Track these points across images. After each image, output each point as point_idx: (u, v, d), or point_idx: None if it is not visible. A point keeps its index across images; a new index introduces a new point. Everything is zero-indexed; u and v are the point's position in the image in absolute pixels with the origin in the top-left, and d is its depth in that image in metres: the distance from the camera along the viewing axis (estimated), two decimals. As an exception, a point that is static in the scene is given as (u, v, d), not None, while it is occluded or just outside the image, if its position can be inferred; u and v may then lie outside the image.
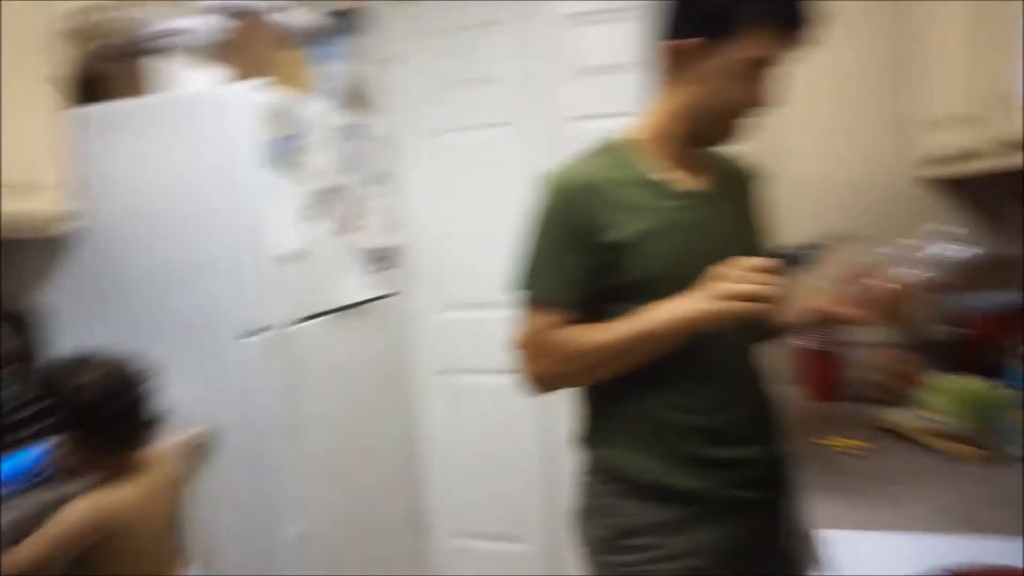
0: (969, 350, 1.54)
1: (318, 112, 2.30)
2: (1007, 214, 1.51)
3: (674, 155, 1.21)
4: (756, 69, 1.10)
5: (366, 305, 2.55)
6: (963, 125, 1.41)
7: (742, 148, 2.41)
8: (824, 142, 1.81)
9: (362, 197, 2.51)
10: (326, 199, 2.31)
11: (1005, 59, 1.19)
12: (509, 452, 2.83)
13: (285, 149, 2.10)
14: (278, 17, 2.27)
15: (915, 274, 1.10)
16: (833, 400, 1.66)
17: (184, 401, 1.77)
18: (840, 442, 1.34)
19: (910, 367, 1.59)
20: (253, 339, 1.98)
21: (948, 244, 1.13)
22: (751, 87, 1.11)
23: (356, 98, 2.68)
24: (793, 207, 1.83)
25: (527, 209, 1.22)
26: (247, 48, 2.17)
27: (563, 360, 1.17)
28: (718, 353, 1.19)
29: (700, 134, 1.18)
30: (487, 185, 2.75)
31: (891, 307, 1.11)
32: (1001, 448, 1.15)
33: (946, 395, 1.40)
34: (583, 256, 1.15)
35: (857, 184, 1.80)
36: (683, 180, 1.21)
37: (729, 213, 1.25)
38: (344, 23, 2.72)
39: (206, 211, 1.97)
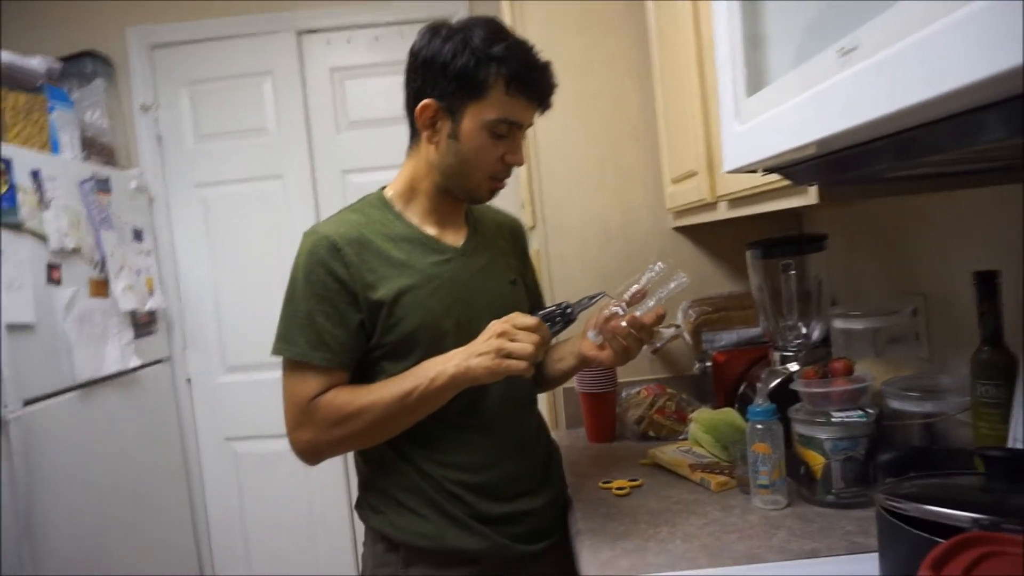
0: (721, 382, 1.68)
1: (55, 165, 2.05)
2: (742, 256, 1.67)
3: (432, 209, 1.22)
4: (497, 130, 1.13)
5: (129, 375, 2.29)
6: (689, 179, 1.55)
7: (508, 200, 2.50)
8: (585, 194, 1.91)
9: (116, 257, 2.26)
10: (70, 260, 2.05)
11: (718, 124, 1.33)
12: (302, 520, 2.66)
13: (14, 205, 1.83)
14: (7, 59, 2.00)
15: (643, 306, 1.17)
16: (608, 440, 1.73)
17: None
18: (615, 484, 1.39)
19: (672, 402, 1.70)
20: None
21: (663, 276, 1.20)
22: (494, 148, 1.14)
23: (105, 149, 2.43)
24: (559, 256, 1.93)
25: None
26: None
27: (328, 426, 1.12)
28: (489, 408, 1.19)
29: (450, 190, 1.20)
30: (257, 239, 2.62)
31: (631, 342, 1.16)
32: (748, 477, 1.24)
33: (703, 428, 1.50)
34: (343, 314, 1.12)
35: (619, 233, 1.92)
36: (444, 234, 1.22)
37: (492, 266, 1.26)
38: (91, 67, 2.47)
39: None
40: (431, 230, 1.21)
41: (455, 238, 1.23)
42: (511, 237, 1.37)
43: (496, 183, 1.19)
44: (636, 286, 1.19)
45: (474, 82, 1.11)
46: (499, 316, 1.16)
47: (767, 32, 0.79)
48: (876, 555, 0.87)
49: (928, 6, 0.44)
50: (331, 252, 1.12)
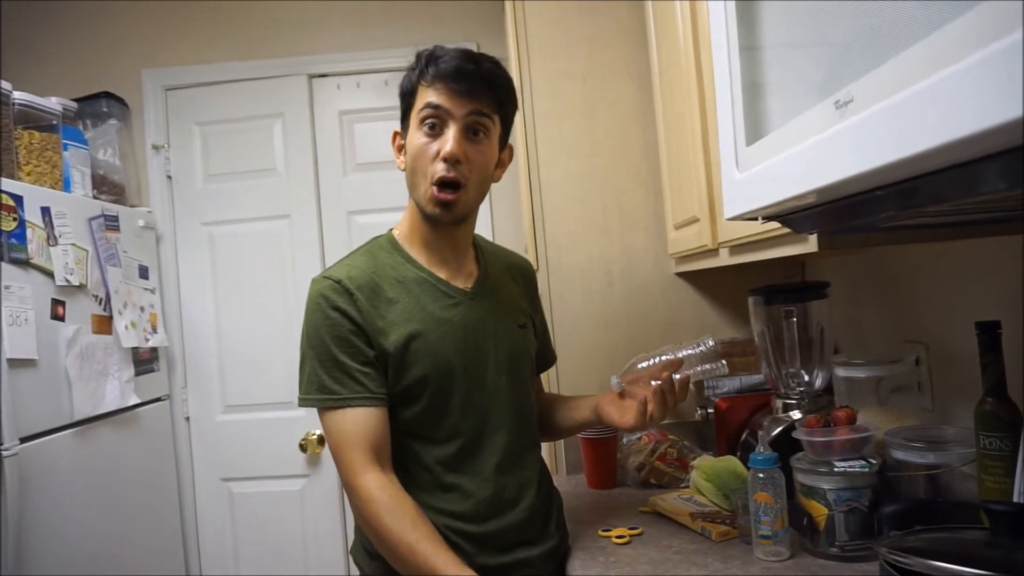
0: (723, 429, 1.66)
1: (66, 202, 2.08)
2: (744, 302, 1.68)
3: (430, 244, 1.21)
4: (426, 122, 1.13)
5: (128, 412, 2.28)
6: (691, 225, 1.56)
7: (511, 242, 2.55)
8: (589, 237, 1.92)
9: (121, 293, 2.27)
10: (75, 296, 2.05)
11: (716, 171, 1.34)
12: (296, 562, 2.61)
13: (23, 242, 1.85)
14: (23, 100, 2.04)
15: (673, 374, 1.19)
16: (608, 487, 1.70)
17: None
18: (614, 532, 1.37)
19: (674, 449, 1.68)
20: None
21: (694, 347, 1.23)
22: (428, 146, 1.13)
23: (115, 187, 2.46)
24: (560, 298, 1.93)
25: (303, 304, 1.17)
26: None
27: (377, 533, 1.07)
28: (491, 455, 1.17)
29: (423, 212, 1.17)
30: (262, 278, 2.63)
31: (657, 406, 1.18)
32: (749, 526, 1.22)
33: (705, 476, 1.48)
34: (364, 352, 1.11)
35: (622, 277, 1.92)
36: (453, 275, 1.21)
37: (501, 309, 1.25)
38: (106, 108, 2.51)
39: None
40: (441, 271, 1.20)
41: (465, 280, 1.23)
42: (522, 279, 1.37)
43: (441, 193, 1.13)
44: (671, 355, 1.21)
45: (408, 91, 1.16)
46: (508, 360, 1.18)
47: (767, 81, 0.81)
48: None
49: (925, 59, 0.45)
50: (343, 296, 1.12)
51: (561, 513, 1.34)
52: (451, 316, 1.16)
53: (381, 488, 1.07)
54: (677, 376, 1.19)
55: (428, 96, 1.12)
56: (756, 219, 0.92)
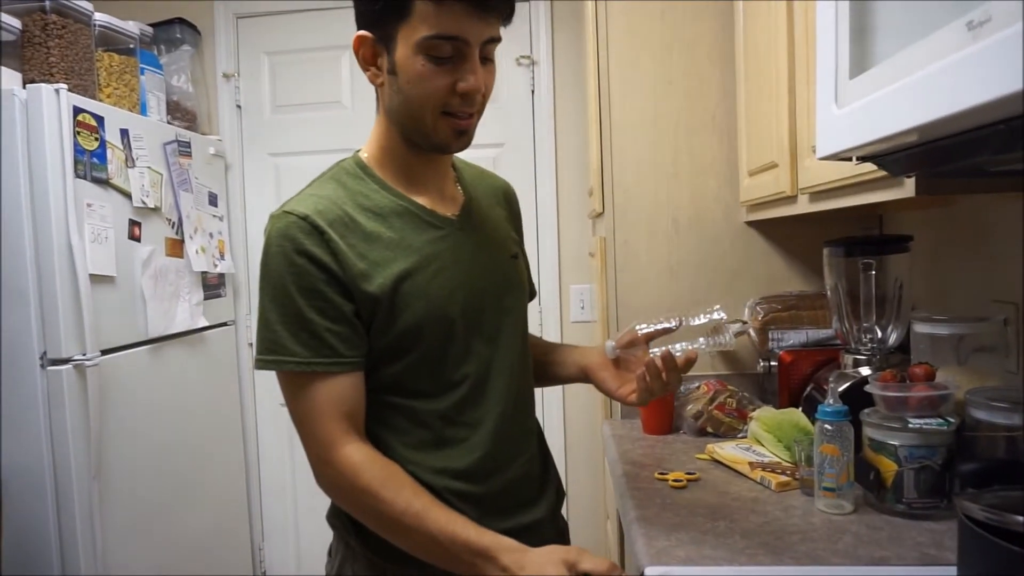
0: (787, 382, 1.63)
1: (143, 126, 2.12)
2: (817, 254, 1.62)
3: (409, 170, 1.02)
4: (435, 52, 0.90)
5: (196, 334, 2.36)
6: (768, 170, 1.50)
7: (576, 185, 2.41)
8: (658, 182, 1.88)
9: (192, 219, 2.33)
10: (150, 219, 2.12)
11: (805, 114, 1.28)
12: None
13: (103, 162, 1.90)
14: (103, 20, 2.08)
15: (677, 345, 1.05)
16: (664, 433, 1.70)
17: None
18: (671, 475, 1.37)
19: (733, 399, 1.66)
20: (62, 368, 1.77)
21: (703, 317, 1.10)
22: (438, 76, 0.92)
23: (188, 114, 2.50)
24: (624, 244, 1.90)
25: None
26: (64, 50, 1.96)
27: (373, 508, 0.93)
28: (493, 409, 1.03)
29: (412, 139, 0.99)
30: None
31: (655, 381, 1.02)
32: (812, 479, 1.20)
33: (766, 427, 1.47)
34: (339, 306, 0.93)
35: (689, 225, 1.88)
36: (436, 203, 1.03)
37: (492, 240, 1.09)
38: (180, 34, 2.54)
39: (8, 224, 1.75)
40: (422, 198, 1.01)
41: (449, 207, 1.05)
42: (506, 203, 1.19)
43: (457, 121, 0.95)
44: (675, 322, 1.08)
45: (388, 3, 0.91)
46: (503, 297, 1.05)
47: (879, 4, 0.75)
48: (952, 568, 0.84)
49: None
50: (312, 236, 0.92)
51: (556, 470, 1.19)
52: (440, 250, 0.99)
53: (368, 458, 0.93)
54: (679, 349, 1.04)
55: (441, 23, 0.89)
56: (850, 159, 0.88)
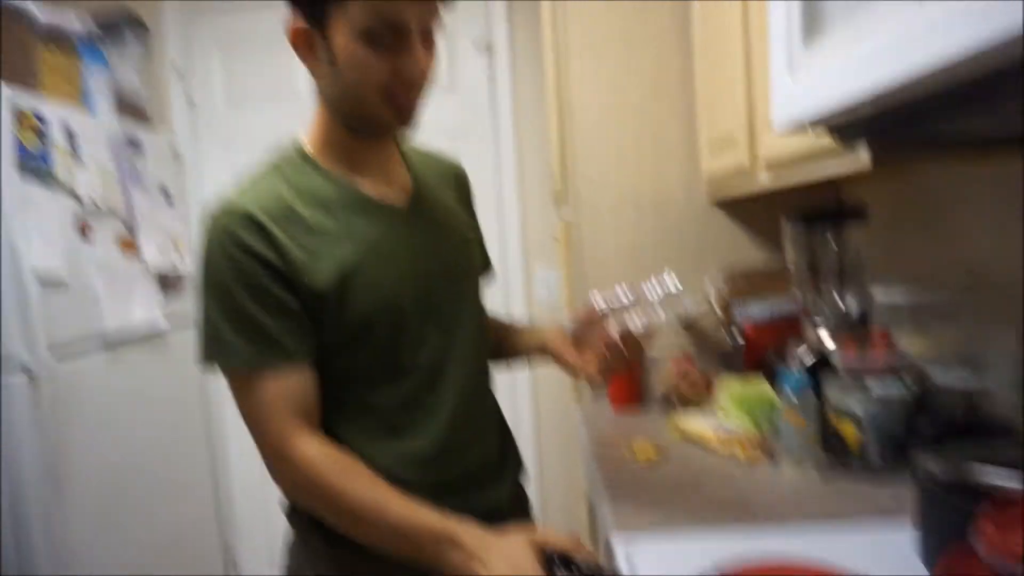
0: (752, 355, 1.65)
1: (89, 123, 2.06)
2: (777, 229, 1.65)
3: (351, 157, 0.99)
4: (375, 39, 0.87)
5: (157, 337, 2.31)
6: (728, 148, 1.52)
7: (537, 169, 2.40)
8: (620, 168, 1.88)
9: (145, 215, 2.28)
10: (101, 218, 2.06)
11: (761, 86, 1.30)
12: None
13: (47, 161, 1.84)
14: (46, 17, 2.01)
15: (636, 319, 1.06)
16: (634, 409, 1.72)
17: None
18: (638, 448, 1.38)
19: (700, 373, 1.68)
20: (11, 378, 1.71)
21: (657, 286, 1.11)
22: (378, 62, 0.88)
23: (137, 109, 2.44)
24: (591, 229, 1.90)
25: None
26: (4, 47, 1.90)
27: (333, 500, 0.91)
28: (448, 395, 1.01)
29: (353, 125, 0.96)
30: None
31: (617, 357, 1.04)
32: (778, 448, 1.22)
33: (731, 398, 1.49)
34: (283, 301, 0.90)
35: (653, 209, 1.89)
36: (382, 190, 1.00)
37: (443, 225, 1.07)
38: (127, 30, 2.46)
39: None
40: (368, 187, 0.99)
41: (397, 194, 1.02)
42: (456, 186, 1.16)
43: (398, 100, 0.92)
44: (631, 294, 1.08)
45: None
46: (457, 282, 1.05)
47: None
48: (911, 523, 0.86)
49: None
50: (253, 232, 0.89)
51: (517, 449, 1.17)
52: (388, 238, 0.97)
53: (323, 452, 0.91)
54: (638, 322, 1.05)
55: (378, 9, 0.86)
56: (806, 130, 0.89)
